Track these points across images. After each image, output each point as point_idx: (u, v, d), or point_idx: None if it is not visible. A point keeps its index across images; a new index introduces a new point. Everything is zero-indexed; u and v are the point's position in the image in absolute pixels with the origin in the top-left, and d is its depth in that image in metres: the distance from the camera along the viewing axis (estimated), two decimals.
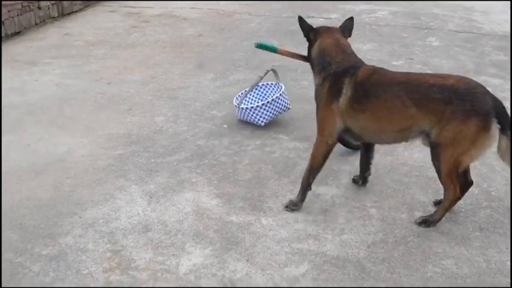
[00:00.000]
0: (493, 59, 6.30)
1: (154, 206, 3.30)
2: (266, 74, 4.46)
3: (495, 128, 2.84)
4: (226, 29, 7.40)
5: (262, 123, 4.32)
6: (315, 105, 3.30)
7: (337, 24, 3.52)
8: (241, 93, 4.54)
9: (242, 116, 4.36)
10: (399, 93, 2.94)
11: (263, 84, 4.66)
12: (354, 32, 3.45)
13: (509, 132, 2.89)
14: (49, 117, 4.55)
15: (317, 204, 3.35)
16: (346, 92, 3.07)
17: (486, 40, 7.03)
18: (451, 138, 2.89)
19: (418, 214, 3.25)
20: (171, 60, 6.02)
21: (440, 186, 3.55)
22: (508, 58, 6.29)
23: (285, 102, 4.39)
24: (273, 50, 3.61)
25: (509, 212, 3.29)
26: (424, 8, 8.88)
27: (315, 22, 7.86)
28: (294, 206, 3.30)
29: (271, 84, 4.65)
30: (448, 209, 3.17)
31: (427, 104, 2.89)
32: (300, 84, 5.32)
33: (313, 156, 3.26)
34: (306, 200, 3.33)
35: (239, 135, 4.25)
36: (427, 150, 3.10)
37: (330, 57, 3.19)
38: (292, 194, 3.42)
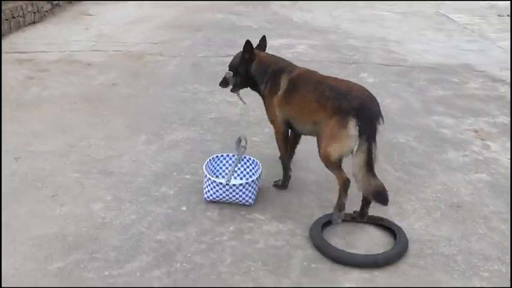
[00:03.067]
0: (433, 94, 6.07)
1: None
2: (246, 142, 3.75)
3: (352, 127, 3.08)
4: (141, 74, 6.52)
5: (253, 202, 3.62)
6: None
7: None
8: (209, 164, 3.81)
9: (225, 195, 3.54)
10: (310, 89, 3.40)
11: (217, 156, 3.95)
12: None
13: (365, 137, 3.05)
14: None
15: None
16: (283, 86, 3.57)
17: (416, 73, 6.84)
18: (322, 130, 3.26)
19: None
20: (88, 120, 5.02)
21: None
22: (448, 93, 6.12)
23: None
24: None
25: None
26: (339, 40, 8.65)
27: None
28: (283, 187, 3.85)
29: (227, 155, 3.99)
30: (342, 192, 3.27)
31: (320, 99, 3.29)
32: (251, 141, 4.54)
33: (278, 146, 3.84)
34: None
35: (206, 220, 3.44)
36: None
37: (268, 63, 3.74)
38: None
